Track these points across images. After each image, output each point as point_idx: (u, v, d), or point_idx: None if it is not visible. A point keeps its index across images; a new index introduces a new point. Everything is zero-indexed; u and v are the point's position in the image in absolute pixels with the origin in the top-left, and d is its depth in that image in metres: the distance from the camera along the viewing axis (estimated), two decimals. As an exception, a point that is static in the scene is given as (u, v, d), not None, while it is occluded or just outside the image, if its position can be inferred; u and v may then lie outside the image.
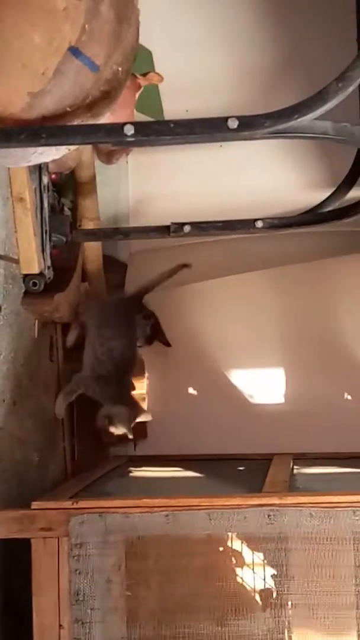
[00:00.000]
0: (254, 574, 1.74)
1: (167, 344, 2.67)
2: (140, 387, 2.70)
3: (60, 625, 1.72)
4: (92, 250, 2.49)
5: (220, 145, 2.60)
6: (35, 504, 1.75)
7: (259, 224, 2.20)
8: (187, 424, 2.67)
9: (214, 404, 2.73)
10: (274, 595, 1.72)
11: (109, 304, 2.43)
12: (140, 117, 2.34)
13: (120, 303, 2.45)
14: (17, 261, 2.05)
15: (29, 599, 1.73)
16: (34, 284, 2.10)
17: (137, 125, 1.49)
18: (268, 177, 2.70)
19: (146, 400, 2.70)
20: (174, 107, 2.54)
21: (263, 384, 2.76)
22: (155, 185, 2.72)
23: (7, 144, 1.52)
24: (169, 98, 2.57)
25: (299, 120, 1.47)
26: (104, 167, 2.44)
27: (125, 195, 2.74)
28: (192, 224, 2.21)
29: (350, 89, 1.45)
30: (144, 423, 2.64)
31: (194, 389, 2.77)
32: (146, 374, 2.74)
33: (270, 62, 2.69)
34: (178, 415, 2.70)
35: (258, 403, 2.76)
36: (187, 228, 2.20)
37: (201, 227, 2.23)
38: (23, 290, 2.10)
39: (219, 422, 2.68)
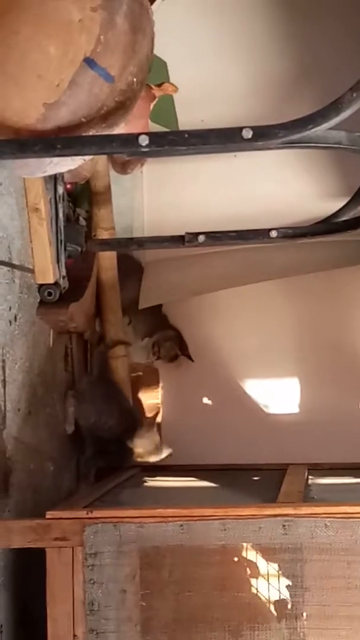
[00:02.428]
0: (269, 585, 1.73)
1: (191, 359, 2.68)
2: (155, 397, 2.71)
3: (74, 636, 1.72)
4: (107, 260, 2.50)
5: (235, 155, 2.61)
6: (49, 514, 1.75)
7: (273, 233, 2.20)
8: (201, 434, 2.67)
9: (228, 413, 2.73)
10: (289, 606, 1.72)
11: (88, 390, 2.42)
12: (156, 127, 2.35)
13: (95, 383, 2.45)
14: (32, 271, 2.06)
15: (43, 608, 1.73)
16: (49, 294, 2.11)
17: (151, 135, 1.49)
18: (282, 186, 2.70)
19: (160, 410, 2.70)
20: (189, 118, 2.55)
21: (278, 394, 2.76)
22: (169, 195, 2.73)
23: (22, 155, 1.52)
24: (184, 109, 2.57)
25: (313, 130, 1.47)
26: (119, 177, 2.45)
27: (140, 205, 2.75)
28: (206, 233, 2.20)
29: (365, 98, 1.44)
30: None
31: (209, 399, 2.77)
32: (160, 384, 2.74)
33: (284, 72, 2.70)
34: (192, 424, 2.70)
35: (273, 413, 2.76)
36: (201, 238, 2.20)
37: (215, 237, 2.23)
38: (38, 300, 2.11)
39: (234, 432, 2.68)
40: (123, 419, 2.33)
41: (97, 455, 2.30)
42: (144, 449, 2.31)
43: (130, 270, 2.63)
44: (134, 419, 2.37)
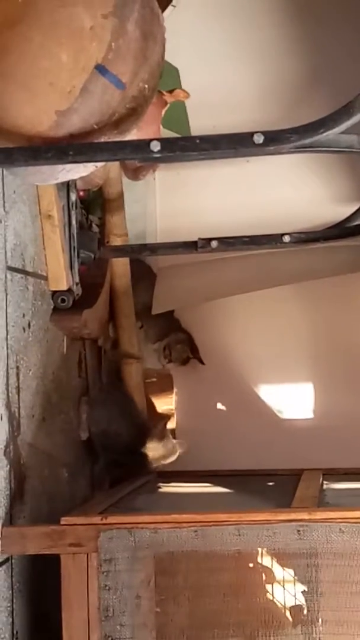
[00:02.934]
0: (284, 590, 1.73)
1: (202, 362, 2.68)
2: (169, 403, 2.71)
3: (89, 641, 1.72)
4: (120, 267, 2.51)
5: (247, 161, 2.61)
6: (64, 520, 1.76)
7: (286, 238, 2.20)
8: (215, 439, 2.67)
9: (242, 419, 2.73)
10: (304, 611, 1.71)
11: (100, 397, 2.43)
12: (168, 134, 2.36)
13: (106, 390, 2.45)
14: (45, 278, 2.07)
15: (58, 614, 1.74)
16: (63, 301, 2.12)
17: (163, 141, 1.50)
18: (295, 191, 2.70)
19: (174, 415, 2.70)
20: (201, 123, 2.56)
21: (292, 399, 2.75)
22: (182, 201, 2.73)
23: (35, 162, 1.53)
24: (196, 114, 2.58)
25: (325, 134, 1.47)
26: (132, 183, 2.45)
27: (152, 211, 2.75)
28: (219, 239, 2.21)
29: (376, 102, 1.45)
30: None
31: (223, 404, 2.77)
32: (175, 390, 2.75)
33: (296, 77, 2.70)
34: (206, 430, 2.70)
35: (287, 418, 2.76)
36: (214, 243, 2.20)
37: (228, 242, 2.23)
38: (52, 307, 2.11)
39: (248, 438, 2.68)
40: (134, 428, 2.33)
41: (110, 465, 2.31)
42: (158, 454, 2.32)
43: (142, 274, 2.63)
44: (145, 427, 2.37)
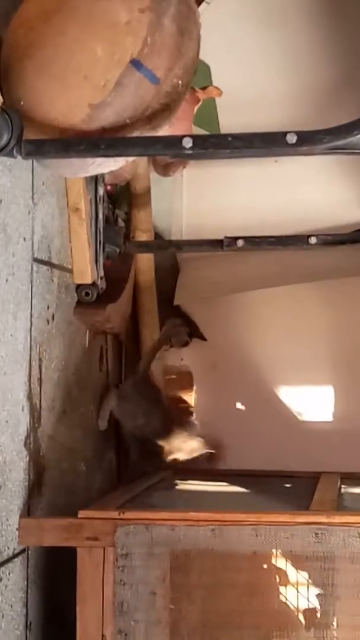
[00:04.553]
0: (300, 593, 1.72)
1: (204, 339, 2.68)
2: (188, 401, 2.70)
3: (103, 636, 1.72)
4: (145, 262, 2.50)
5: (275, 161, 2.60)
6: (82, 513, 1.76)
7: (313, 240, 2.19)
8: (234, 439, 2.66)
9: (261, 419, 2.72)
10: (320, 614, 1.70)
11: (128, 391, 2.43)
12: (197, 130, 2.35)
13: (136, 384, 2.45)
14: (70, 271, 2.07)
15: (72, 606, 1.74)
16: (87, 294, 2.12)
17: (195, 138, 1.49)
18: (322, 192, 2.69)
19: (194, 414, 2.70)
20: (230, 121, 2.55)
21: (311, 401, 2.74)
22: (209, 199, 2.73)
23: (67, 155, 1.53)
24: (225, 112, 2.57)
25: (359, 136, 1.47)
26: (159, 179, 2.45)
27: (179, 208, 2.75)
28: (245, 238, 2.20)
29: None
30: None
31: (242, 404, 2.76)
32: (194, 387, 2.74)
33: (327, 79, 2.69)
34: (225, 429, 2.69)
35: (306, 420, 2.75)
36: (240, 242, 2.20)
37: (254, 242, 2.23)
38: (75, 300, 2.11)
39: (266, 438, 2.67)
40: (163, 419, 2.34)
41: (142, 459, 2.31)
42: (185, 446, 2.31)
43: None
44: (172, 419, 2.37)
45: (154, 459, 2.31)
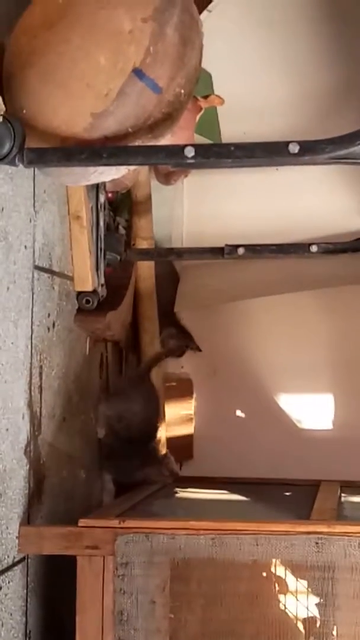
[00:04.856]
0: (300, 602, 1.72)
1: (199, 350, 2.68)
2: (188, 409, 2.70)
3: (103, 645, 1.72)
4: (145, 270, 2.51)
5: (277, 169, 2.60)
6: (82, 522, 1.75)
7: (314, 248, 2.20)
8: (233, 446, 2.66)
9: (261, 427, 2.72)
10: (319, 624, 1.70)
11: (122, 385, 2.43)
12: (198, 139, 2.35)
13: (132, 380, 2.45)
14: (71, 278, 2.07)
15: (71, 615, 1.73)
16: (87, 302, 2.12)
17: (197, 147, 1.49)
18: (323, 201, 2.69)
19: (193, 421, 2.70)
20: (231, 130, 2.55)
21: (311, 409, 2.74)
22: (210, 206, 2.73)
23: (69, 163, 1.53)
24: (226, 121, 2.57)
25: (361, 146, 1.47)
26: (159, 187, 2.45)
27: (179, 215, 2.75)
28: (246, 246, 2.21)
29: None
30: (190, 443, 2.64)
31: (242, 411, 2.76)
32: (194, 395, 2.74)
33: (328, 88, 2.69)
34: (225, 437, 2.69)
35: (305, 428, 2.75)
36: (241, 250, 2.20)
37: (255, 250, 2.23)
38: (76, 308, 2.11)
39: (266, 446, 2.67)
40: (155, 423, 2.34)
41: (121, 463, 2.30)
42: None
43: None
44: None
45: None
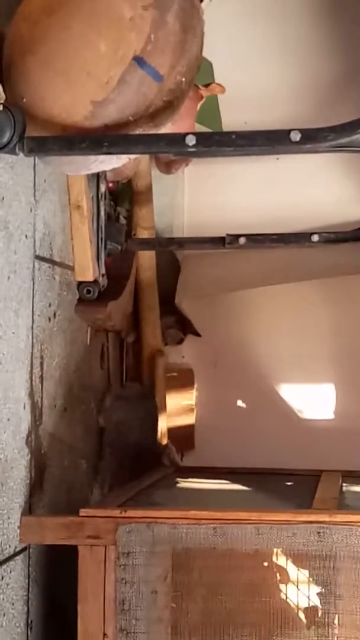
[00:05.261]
0: (301, 591, 1.72)
1: (198, 335, 2.68)
2: (189, 399, 2.70)
3: (104, 634, 1.72)
4: (146, 259, 2.50)
5: (277, 158, 2.60)
6: (83, 512, 1.75)
7: (315, 237, 2.19)
8: (235, 436, 2.66)
9: (262, 417, 2.72)
10: (321, 613, 1.70)
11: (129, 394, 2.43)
12: (199, 128, 2.34)
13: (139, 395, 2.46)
14: (72, 268, 2.06)
15: (73, 604, 1.73)
16: (88, 292, 2.11)
17: (198, 135, 1.48)
18: (325, 190, 2.69)
19: (195, 411, 2.70)
20: (232, 119, 2.54)
21: (313, 399, 2.74)
22: (210, 196, 2.73)
23: (69, 152, 1.52)
24: (227, 109, 2.56)
25: (363, 134, 1.46)
26: (160, 176, 2.44)
27: (180, 205, 2.74)
28: (247, 236, 2.20)
29: None
30: (192, 434, 2.64)
31: (243, 402, 2.76)
32: (195, 385, 2.74)
33: (329, 76, 2.69)
34: (226, 427, 2.69)
35: (307, 418, 2.75)
36: (242, 240, 2.19)
37: (256, 240, 2.22)
38: (77, 298, 2.11)
39: (267, 436, 2.67)
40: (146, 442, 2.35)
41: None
42: None
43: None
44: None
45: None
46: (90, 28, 1.47)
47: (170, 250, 2.66)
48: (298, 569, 1.72)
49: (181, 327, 2.69)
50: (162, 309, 2.61)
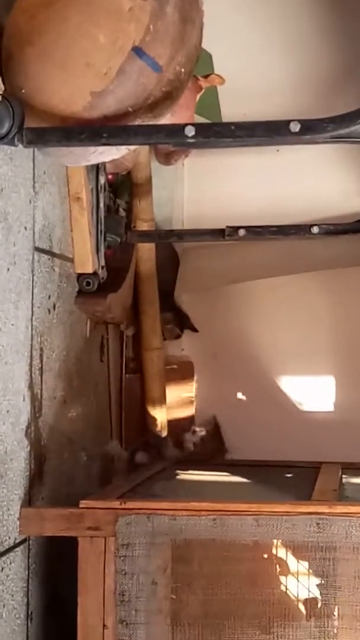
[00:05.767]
0: (301, 583, 1.72)
1: (195, 330, 2.68)
2: (189, 391, 2.70)
3: (104, 626, 1.72)
4: (146, 252, 2.50)
5: (277, 150, 2.59)
6: (83, 503, 1.75)
7: (315, 229, 2.19)
8: (234, 428, 2.66)
9: (262, 409, 2.72)
10: (321, 604, 1.70)
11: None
12: (198, 119, 2.34)
13: None
14: (71, 260, 2.06)
15: (73, 596, 1.74)
16: (88, 284, 2.11)
17: (198, 126, 1.48)
18: (324, 182, 2.68)
19: (194, 403, 2.70)
20: (231, 110, 2.54)
21: (313, 391, 2.74)
22: (210, 188, 2.72)
23: (68, 143, 1.52)
24: (227, 101, 2.56)
25: (362, 125, 1.46)
26: (160, 168, 2.44)
27: (180, 197, 2.74)
28: (247, 228, 2.20)
29: None
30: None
31: (243, 394, 2.76)
32: (195, 377, 2.74)
33: (328, 68, 2.68)
34: (226, 419, 2.69)
35: (307, 410, 2.75)
36: (241, 232, 2.19)
37: (256, 231, 2.22)
38: (76, 290, 2.11)
39: (267, 428, 2.67)
40: None
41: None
42: None
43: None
44: None
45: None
46: (88, 19, 1.47)
47: (170, 245, 2.66)
48: (297, 561, 1.73)
49: (178, 323, 2.69)
50: (160, 304, 2.61)
